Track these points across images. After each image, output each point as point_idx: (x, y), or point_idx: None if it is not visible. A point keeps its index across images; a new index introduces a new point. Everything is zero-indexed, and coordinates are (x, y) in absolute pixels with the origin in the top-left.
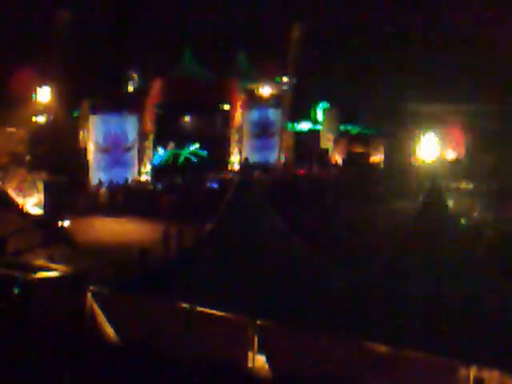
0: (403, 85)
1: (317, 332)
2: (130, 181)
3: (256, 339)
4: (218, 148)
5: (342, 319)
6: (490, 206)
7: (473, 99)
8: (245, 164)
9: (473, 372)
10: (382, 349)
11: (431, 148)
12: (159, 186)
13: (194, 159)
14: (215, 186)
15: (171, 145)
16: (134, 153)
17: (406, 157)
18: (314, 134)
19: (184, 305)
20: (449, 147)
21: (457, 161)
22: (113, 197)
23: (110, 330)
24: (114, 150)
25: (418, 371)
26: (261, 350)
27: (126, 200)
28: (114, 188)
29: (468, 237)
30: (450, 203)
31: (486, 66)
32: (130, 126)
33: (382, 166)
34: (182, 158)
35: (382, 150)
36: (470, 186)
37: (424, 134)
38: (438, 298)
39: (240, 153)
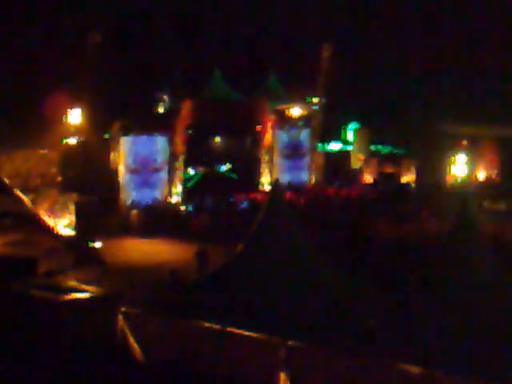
0: (435, 105)
1: (349, 354)
2: (159, 202)
3: (287, 360)
4: (249, 169)
5: (374, 341)
6: None
7: (505, 120)
8: (275, 184)
9: None
10: (415, 370)
11: (462, 168)
12: (190, 207)
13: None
14: (246, 206)
15: (201, 168)
16: (163, 174)
17: (437, 177)
18: (344, 154)
19: (215, 325)
20: (480, 167)
21: (488, 181)
22: (143, 218)
23: (140, 351)
24: (142, 171)
25: None
26: (292, 371)
27: (156, 221)
28: (143, 209)
29: (500, 258)
30: (482, 223)
31: None
32: (158, 147)
33: (412, 185)
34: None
35: (413, 170)
36: (502, 205)
37: (456, 155)
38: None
39: (270, 173)
